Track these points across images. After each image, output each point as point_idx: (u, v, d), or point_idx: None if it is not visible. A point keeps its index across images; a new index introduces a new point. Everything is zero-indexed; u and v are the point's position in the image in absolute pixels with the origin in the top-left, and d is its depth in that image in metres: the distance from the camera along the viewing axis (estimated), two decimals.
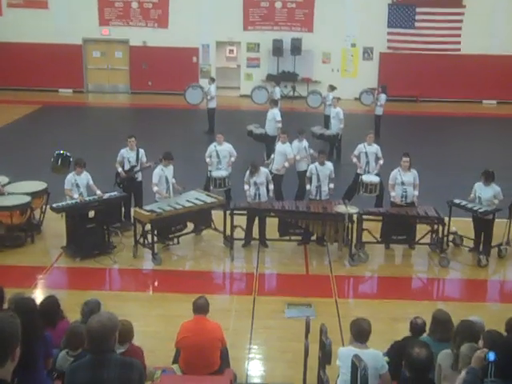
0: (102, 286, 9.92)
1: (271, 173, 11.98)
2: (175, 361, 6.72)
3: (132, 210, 11.37)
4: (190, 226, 11.23)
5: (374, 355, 5.74)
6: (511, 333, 5.81)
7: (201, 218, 11.07)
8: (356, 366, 5.25)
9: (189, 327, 6.54)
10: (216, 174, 12.33)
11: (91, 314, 5.15)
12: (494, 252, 10.76)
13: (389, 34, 25.42)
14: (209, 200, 11.10)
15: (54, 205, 10.61)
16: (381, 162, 12.51)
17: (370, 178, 12.25)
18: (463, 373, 4.76)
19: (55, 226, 11.23)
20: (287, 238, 11.09)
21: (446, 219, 10.68)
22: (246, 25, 25.59)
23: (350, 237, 10.61)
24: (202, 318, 6.56)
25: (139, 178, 12.00)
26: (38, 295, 8.74)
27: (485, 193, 10.61)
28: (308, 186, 11.46)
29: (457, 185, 12.87)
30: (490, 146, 18.54)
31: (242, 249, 11.03)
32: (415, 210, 10.83)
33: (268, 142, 15.74)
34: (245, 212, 10.92)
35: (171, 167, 11.22)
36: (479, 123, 22.23)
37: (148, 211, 10.43)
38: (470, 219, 10.94)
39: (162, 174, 11.05)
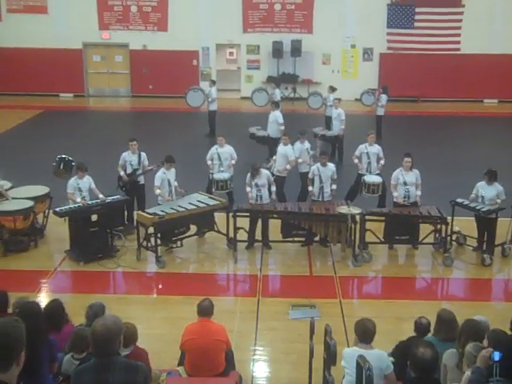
0: (106, 290, 9.95)
1: (273, 175, 11.98)
2: (180, 363, 6.72)
3: (135, 213, 11.40)
4: (193, 228, 11.24)
5: (379, 355, 5.74)
6: None
7: (204, 220, 11.08)
8: (361, 366, 5.24)
9: (193, 329, 6.54)
10: (218, 176, 12.33)
11: (96, 317, 5.16)
12: (497, 251, 10.75)
13: (388, 34, 25.43)
14: (211, 202, 11.11)
15: (57, 209, 10.63)
16: (382, 162, 12.51)
17: (372, 179, 12.24)
18: (468, 372, 4.76)
19: (58, 230, 11.24)
20: (290, 239, 11.08)
21: (449, 218, 10.67)
22: (245, 27, 25.61)
23: (353, 237, 10.60)
24: (207, 320, 6.56)
25: (141, 182, 12.01)
26: (43, 299, 8.74)
27: (488, 192, 10.61)
28: (310, 188, 11.47)
29: (459, 184, 12.85)
30: (491, 145, 18.52)
31: (245, 251, 11.03)
32: (418, 210, 10.83)
33: (271, 145, 15.72)
34: (247, 214, 10.92)
35: (173, 170, 11.24)
36: (480, 122, 22.22)
37: (151, 214, 10.44)
38: (473, 218, 10.93)
39: (164, 176, 11.06)
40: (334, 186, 11.42)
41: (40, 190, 11.54)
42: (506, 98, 25.34)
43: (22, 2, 25.48)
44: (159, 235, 10.54)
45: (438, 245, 10.84)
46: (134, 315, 8.14)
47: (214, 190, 12.27)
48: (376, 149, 12.58)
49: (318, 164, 11.45)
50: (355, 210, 10.53)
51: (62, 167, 11.94)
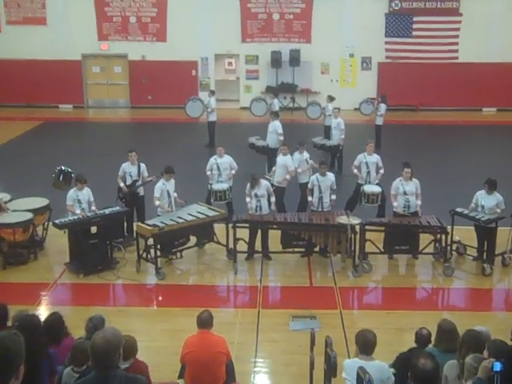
0: (106, 302, 9.92)
1: (273, 185, 11.98)
2: (181, 376, 6.69)
3: (134, 224, 11.38)
4: (193, 239, 11.23)
5: (380, 367, 5.73)
6: None
7: (203, 231, 11.07)
8: (361, 378, 5.23)
9: (193, 342, 6.52)
10: (216, 186, 12.32)
11: (95, 329, 5.16)
12: (497, 260, 10.74)
13: (386, 43, 25.52)
14: (211, 213, 11.10)
15: (57, 221, 10.61)
16: (381, 171, 12.52)
17: (372, 188, 12.24)
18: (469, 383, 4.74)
19: (58, 242, 11.23)
20: (290, 250, 11.07)
21: (449, 228, 10.66)
22: (244, 37, 25.69)
23: (353, 248, 10.57)
24: (207, 332, 6.54)
25: (141, 193, 12.01)
26: (42, 312, 8.74)
27: (488, 201, 10.60)
28: (310, 198, 11.46)
29: (459, 193, 12.85)
30: (490, 154, 18.56)
31: (245, 262, 11.02)
32: (418, 220, 10.83)
33: (270, 155, 15.73)
34: (247, 225, 10.91)
35: (173, 181, 11.24)
36: (479, 131, 22.25)
37: (150, 225, 10.43)
38: (473, 228, 10.92)
39: (164, 188, 11.05)
40: (334, 197, 11.41)
41: (39, 202, 11.54)
42: (505, 107, 25.37)
43: (21, 14, 25.57)
44: (159, 247, 10.53)
45: (438, 255, 10.83)
46: (133, 327, 8.13)
47: (212, 200, 12.26)
48: (375, 158, 12.59)
49: (317, 174, 11.45)
50: (355, 220, 10.52)
51: (61, 179, 11.93)
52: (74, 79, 25.85)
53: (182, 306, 9.34)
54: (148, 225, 10.51)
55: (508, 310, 9.74)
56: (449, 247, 10.74)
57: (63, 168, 12.05)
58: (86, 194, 10.90)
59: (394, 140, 19.84)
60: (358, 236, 10.56)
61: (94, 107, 26.72)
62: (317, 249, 11.12)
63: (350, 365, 5.80)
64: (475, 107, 25.46)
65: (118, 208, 11.29)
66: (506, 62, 24.91)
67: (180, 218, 10.79)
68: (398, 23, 25.31)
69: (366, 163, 12.54)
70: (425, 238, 10.84)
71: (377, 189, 12.23)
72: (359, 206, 12.39)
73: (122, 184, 11.83)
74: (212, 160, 12.65)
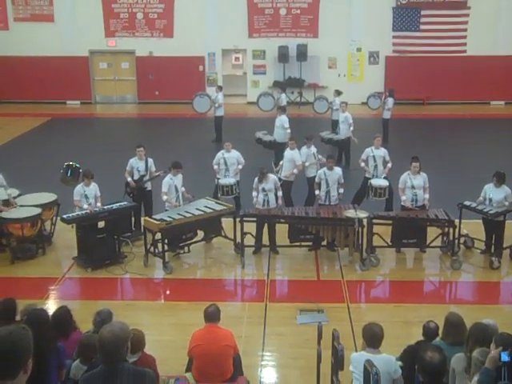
0: (114, 296, 9.96)
1: (280, 179, 11.98)
2: (188, 369, 6.71)
3: (142, 219, 11.41)
4: (201, 234, 11.25)
5: (387, 360, 5.73)
6: None
7: (211, 225, 11.08)
8: (368, 371, 5.23)
9: (200, 336, 6.54)
10: (223, 181, 12.34)
11: (103, 323, 5.17)
12: (505, 254, 10.70)
13: (394, 37, 25.43)
14: (218, 208, 11.11)
15: (65, 216, 10.65)
16: (389, 165, 12.48)
17: (379, 182, 12.22)
18: (476, 378, 4.73)
19: (66, 237, 11.30)
20: (298, 243, 11.07)
21: (457, 221, 10.63)
22: (251, 32, 25.65)
23: (360, 241, 10.56)
24: (214, 325, 6.55)
25: (149, 188, 12.04)
26: (51, 306, 8.78)
27: (496, 194, 10.55)
28: (317, 192, 11.44)
29: (467, 187, 12.82)
30: (499, 147, 18.47)
31: (252, 256, 11.02)
32: (425, 213, 10.80)
33: (277, 149, 15.73)
34: (254, 219, 10.92)
35: (180, 176, 11.25)
36: (487, 124, 22.15)
37: (158, 220, 10.45)
38: (481, 221, 10.88)
39: (172, 182, 11.08)
40: (342, 190, 11.40)
41: (47, 197, 11.59)
42: None
43: (29, 11, 25.66)
44: (166, 241, 10.56)
45: (446, 248, 10.80)
46: (141, 321, 8.16)
47: (219, 195, 12.28)
48: (382, 152, 12.56)
49: (325, 168, 11.44)
50: (362, 214, 10.51)
51: (69, 174, 11.99)
52: (81, 75, 25.93)
53: (190, 300, 9.35)
54: (155, 219, 10.53)
55: None
56: (456, 240, 10.70)
57: (71, 163, 12.10)
58: (92, 189, 10.94)
59: (401, 134, 19.79)
60: (365, 230, 10.54)
61: (102, 103, 26.80)
62: (324, 243, 11.11)
63: (357, 358, 5.80)
64: (483, 100, 25.35)
65: (125, 203, 11.32)
66: None
67: (187, 212, 10.80)
68: (405, 17, 25.20)
69: (374, 157, 12.51)
70: (432, 232, 10.81)
71: (384, 183, 12.21)
72: (366, 200, 12.37)
73: (129, 179, 11.87)
74: (219, 154, 12.67)
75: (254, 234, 11.01)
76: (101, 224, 10.95)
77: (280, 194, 11.31)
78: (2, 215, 10.75)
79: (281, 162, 12.98)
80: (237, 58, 27.92)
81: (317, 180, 11.47)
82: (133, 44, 25.86)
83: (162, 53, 25.48)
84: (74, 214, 10.68)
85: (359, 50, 25.67)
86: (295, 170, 12.54)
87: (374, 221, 10.60)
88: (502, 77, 24.80)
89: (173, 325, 8.75)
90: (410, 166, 11.13)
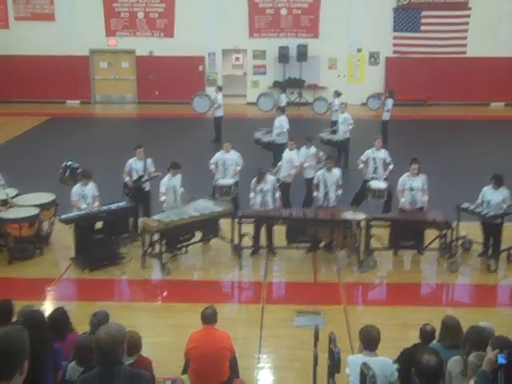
0: (111, 297, 9.93)
1: (278, 180, 11.97)
2: (185, 371, 6.71)
3: (140, 220, 11.40)
4: (198, 235, 11.23)
5: (384, 363, 5.73)
6: None
7: (209, 226, 11.07)
8: (365, 374, 5.23)
9: (197, 337, 6.54)
10: (222, 182, 12.33)
11: (100, 325, 5.16)
12: (503, 256, 10.69)
13: (394, 38, 25.43)
14: (216, 209, 11.10)
15: (63, 216, 10.64)
16: (390, 167, 12.42)
17: (378, 184, 12.20)
18: (472, 382, 4.72)
19: (64, 237, 11.27)
20: (295, 245, 11.06)
21: (455, 224, 10.62)
22: (251, 32, 25.65)
23: (358, 243, 10.56)
24: (211, 327, 6.55)
25: (147, 188, 12.03)
26: (48, 307, 8.77)
27: (494, 197, 10.53)
28: (315, 193, 11.42)
29: (465, 189, 12.81)
30: (498, 149, 18.46)
31: (250, 257, 11.01)
32: (423, 216, 10.79)
33: (276, 151, 15.69)
34: (252, 220, 10.91)
35: (179, 176, 11.24)
36: (487, 126, 22.15)
37: (156, 221, 10.44)
38: (479, 223, 10.87)
39: (170, 183, 11.07)
40: (340, 192, 11.38)
41: (46, 197, 11.58)
42: None
43: (30, 10, 25.66)
44: (164, 242, 10.55)
45: (444, 250, 10.78)
46: (138, 323, 8.15)
47: (217, 195, 12.26)
48: (383, 154, 12.53)
49: (323, 170, 11.42)
50: (360, 216, 10.50)
51: (67, 174, 11.99)
52: (81, 75, 25.93)
53: (187, 301, 9.34)
54: (153, 220, 10.52)
55: None
56: (454, 243, 10.69)
57: (70, 163, 12.10)
58: (90, 188, 10.92)
59: (401, 135, 19.77)
60: (363, 232, 10.54)
61: (102, 102, 26.79)
62: (322, 244, 11.10)
63: (353, 360, 5.80)
64: (483, 102, 25.35)
65: (124, 203, 11.30)
66: None
67: (185, 213, 10.79)
68: (406, 18, 25.20)
69: (374, 158, 12.49)
70: (430, 234, 10.81)
71: (383, 185, 12.18)
72: (365, 202, 12.35)
73: (127, 179, 11.85)
74: (218, 155, 12.65)
75: (252, 235, 10.99)
76: (99, 225, 10.94)
77: (278, 194, 11.30)
78: (0, 215, 10.75)
79: (279, 164, 12.98)
80: (237, 58, 27.91)
81: (315, 181, 11.45)
82: (133, 43, 25.86)
83: (162, 52, 25.47)
84: (72, 214, 10.66)
85: (359, 50, 25.66)
86: (293, 171, 12.54)
87: (372, 223, 10.59)
88: (502, 78, 24.81)
89: (170, 326, 8.75)
90: (409, 167, 11.11)
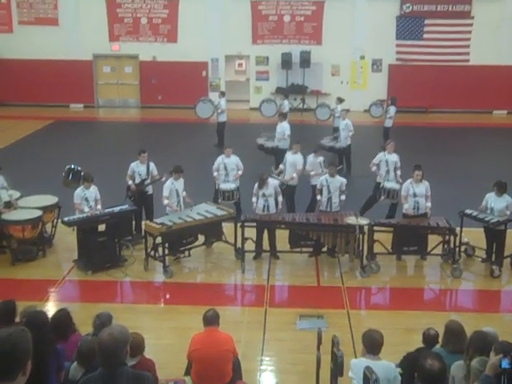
0: (114, 299, 9.93)
1: (283, 184, 11.99)
2: (187, 373, 6.70)
3: (143, 223, 11.41)
4: (201, 238, 11.24)
5: (387, 367, 5.72)
6: None
7: (211, 230, 11.08)
8: (368, 378, 5.22)
9: (200, 339, 6.53)
10: (224, 186, 12.35)
11: (103, 326, 5.16)
12: (506, 262, 10.69)
13: (397, 45, 25.47)
14: (219, 212, 11.11)
15: (66, 218, 10.65)
16: (398, 172, 12.39)
17: (392, 184, 12.22)
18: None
19: (67, 239, 11.29)
20: (298, 249, 11.06)
21: (458, 230, 10.62)
22: (254, 38, 25.71)
23: (361, 248, 10.56)
24: (213, 329, 6.55)
25: (150, 192, 12.05)
26: (50, 308, 8.78)
27: (497, 203, 10.55)
28: (318, 197, 11.42)
29: (468, 195, 12.81)
30: (501, 156, 18.45)
31: (252, 261, 11.02)
32: (426, 221, 10.80)
33: (278, 156, 15.69)
34: (255, 224, 10.91)
35: (181, 180, 11.26)
36: (490, 133, 22.16)
37: (159, 224, 10.46)
38: (482, 229, 10.88)
39: (173, 187, 11.08)
40: (343, 197, 11.37)
41: (49, 199, 11.59)
42: None
43: (33, 14, 25.75)
44: (167, 245, 10.56)
45: (447, 256, 10.79)
46: (141, 325, 8.14)
47: (220, 200, 12.28)
48: (395, 157, 12.53)
49: (327, 175, 11.42)
50: (363, 221, 10.51)
51: (70, 177, 12.02)
52: (84, 79, 25.99)
53: (190, 303, 9.34)
54: (156, 223, 10.53)
55: None
56: (457, 248, 10.69)
57: (73, 167, 12.13)
58: (92, 191, 10.94)
59: (404, 142, 19.65)
60: (366, 236, 10.54)
61: (105, 107, 26.84)
62: (325, 249, 11.10)
63: (356, 364, 5.79)
64: (485, 109, 25.38)
65: (126, 206, 11.32)
66: None
67: (188, 216, 10.80)
68: (409, 26, 25.26)
69: (386, 161, 12.49)
70: (433, 239, 10.81)
71: (396, 185, 12.16)
72: (376, 205, 12.34)
73: (130, 182, 11.88)
74: (219, 160, 12.67)
75: (254, 239, 11.00)
76: (101, 227, 10.95)
77: (280, 199, 11.31)
78: (3, 217, 10.77)
79: (281, 166, 12.99)
80: (240, 64, 27.98)
81: (318, 186, 11.45)
82: (136, 48, 25.93)
83: (165, 58, 25.53)
84: (74, 216, 10.68)
85: (362, 57, 25.70)
86: (295, 174, 12.57)
87: (375, 228, 10.59)
88: (504, 86, 24.84)
89: (172, 328, 8.74)
90: (412, 174, 11.12)
